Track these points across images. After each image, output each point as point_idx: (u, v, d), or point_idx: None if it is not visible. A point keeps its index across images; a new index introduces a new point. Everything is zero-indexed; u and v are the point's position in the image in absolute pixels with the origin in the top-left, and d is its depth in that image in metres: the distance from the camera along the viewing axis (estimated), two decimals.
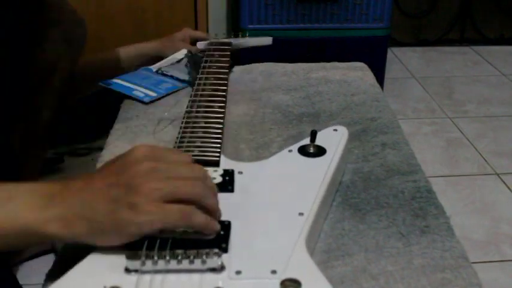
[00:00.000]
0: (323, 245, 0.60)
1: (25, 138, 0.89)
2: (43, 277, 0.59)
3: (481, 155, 1.89)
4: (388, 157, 0.76)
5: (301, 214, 0.57)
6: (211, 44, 1.02)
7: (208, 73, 0.88)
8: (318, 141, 0.68)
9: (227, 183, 0.62)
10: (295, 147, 0.68)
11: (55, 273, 0.55)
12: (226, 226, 0.54)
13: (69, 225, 0.50)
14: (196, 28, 1.99)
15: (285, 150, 0.68)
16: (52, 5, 0.88)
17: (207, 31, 2.12)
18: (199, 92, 0.82)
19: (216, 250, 0.50)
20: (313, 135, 0.68)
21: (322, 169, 0.64)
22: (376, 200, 0.67)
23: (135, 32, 1.88)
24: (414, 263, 0.57)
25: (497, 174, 1.78)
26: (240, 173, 0.64)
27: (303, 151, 0.67)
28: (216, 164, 0.65)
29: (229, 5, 2.39)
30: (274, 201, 0.59)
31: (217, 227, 0.53)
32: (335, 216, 0.64)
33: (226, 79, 0.87)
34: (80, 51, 0.95)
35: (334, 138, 0.70)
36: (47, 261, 0.55)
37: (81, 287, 0.49)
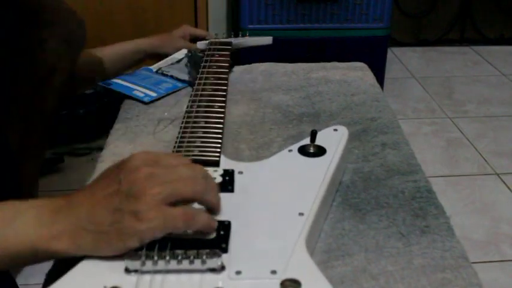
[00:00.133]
0: (323, 245, 0.60)
1: (24, 139, 0.89)
2: (43, 277, 0.59)
3: (481, 155, 1.89)
4: (388, 157, 0.76)
5: (301, 214, 0.57)
6: (211, 43, 1.02)
7: (208, 73, 0.88)
8: (318, 141, 0.68)
9: (227, 183, 0.62)
10: (295, 147, 0.68)
11: (55, 273, 0.55)
12: (226, 226, 0.54)
13: (76, 240, 0.50)
14: (196, 28, 1.99)
15: (285, 150, 0.68)
16: (50, 5, 0.88)
17: (207, 31, 2.12)
18: (199, 92, 0.82)
19: (216, 250, 0.50)
20: (313, 135, 0.68)
21: (322, 169, 0.64)
22: (376, 200, 0.67)
23: (135, 32, 1.88)
24: (414, 263, 0.57)
25: (497, 174, 1.78)
26: (240, 173, 0.64)
27: (303, 151, 0.67)
28: (216, 164, 0.65)
29: (229, 5, 2.39)
30: (274, 201, 0.59)
31: (215, 225, 0.53)
32: (335, 216, 0.64)
33: (227, 79, 0.87)
34: (80, 51, 0.95)
35: (334, 138, 0.70)
36: (47, 261, 0.55)
37: (81, 287, 0.49)
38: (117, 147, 0.80)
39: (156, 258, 0.49)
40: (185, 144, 0.68)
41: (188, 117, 0.75)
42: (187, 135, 0.70)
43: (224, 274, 0.49)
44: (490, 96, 2.32)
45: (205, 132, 0.71)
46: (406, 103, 2.25)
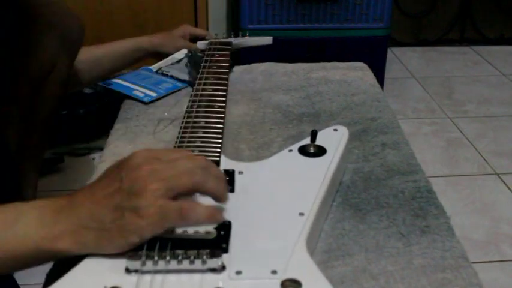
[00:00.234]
0: (323, 245, 0.60)
1: (23, 139, 0.89)
2: (43, 277, 0.59)
3: (481, 155, 1.89)
4: (388, 157, 0.76)
5: (301, 214, 0.57)
6: (211, 43, 1.02)
7: (208, 73, 0.88)
8: (318, 141, 0.68)
9: (227, 183, 0.62)
10: (295, 147, 0.68)
11: (55, 273, 0.55)
12: (226, 226, 0.54)
13: (78, 239, 0.50)
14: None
15: (285, 150, 0.68)
16: (49, 6, 0.88)
17: (207, 31, 2.12)
18: (200, 92, 0.82)
19: (217, 250, 0.50)
20: (314, 135, 0.68)
21: (322, 169, 0.64)
22: (376, 200, 0.67)
23: (135, 32, 1.88)
24: (414, 263, 0.57)
25: (497, 174, 1.78)
26: (241, 173, 0.64)
27: (303, 151, 0.67)
28: (216, 164, 0.65)
29: (229, 5, 2.39)
30: (275, 201, 0.59)
31: (222, 215, 0.52)
32: (335, 216, 0.64)
33: (227, 79, 0.87)
34: (78, 51, 0.95)
35: (334, 138, 0.70)
36: (49, 262, 0.55)
37: (81, 287, 0.49)
38: (117, 147, 0.80)
39: (156, 258, 0.49)
40: (185, 144, 0.68)
41: (188, 117, 0.75)
42: (187, 135, 0.70)
43: (224, 274, 0.49)
44: (490, 96, 2.32)
45: (205, 132, 0.71)
46: (406, 103, 2.25)
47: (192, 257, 0.49)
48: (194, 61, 1.00)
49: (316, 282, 0.48)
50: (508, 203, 1.66)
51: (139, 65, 1.08)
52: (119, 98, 0.95)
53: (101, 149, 0.82)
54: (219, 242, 0.52)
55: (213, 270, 0.49)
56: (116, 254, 0.50)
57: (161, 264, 0.49)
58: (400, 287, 0.54)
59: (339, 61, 1.08)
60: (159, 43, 1.09)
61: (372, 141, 0.80)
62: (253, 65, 1.07)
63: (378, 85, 1.00)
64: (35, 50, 0.86)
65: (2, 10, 0.80)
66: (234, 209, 0.57)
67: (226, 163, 0.66)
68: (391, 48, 2.67)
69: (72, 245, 0.50)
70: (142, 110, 0.91)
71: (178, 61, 1.04)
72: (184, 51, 1.06)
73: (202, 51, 1.01)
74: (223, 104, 0.79)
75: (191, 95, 0.82)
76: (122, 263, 0.49)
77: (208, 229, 0.53)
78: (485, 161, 1.85)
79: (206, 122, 0.74)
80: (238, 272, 0.49)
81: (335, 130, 0.72)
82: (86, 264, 0.50)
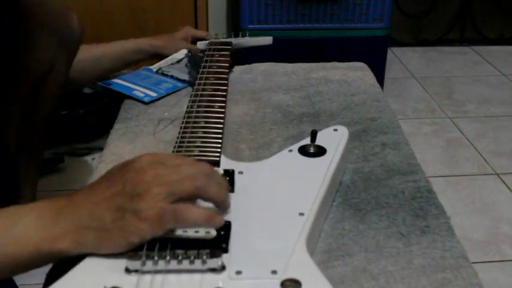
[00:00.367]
0: (323, 245, 0.60)
1: (23, 139, 0.89)
2: (43, 277, 0.59)
3: (481, 155, 1.89)
4: (388, 157, 0.76)
5: (301, 214, 0.57)
6: (211, 44, 1.02)
7: (208, 73, 0.88)
8: (318, 141, 0.68)
9: (227, 183, 0.62)
10: (295, 147, 0.68)
11: (55, 273, 0.55)
12: (226, 226, 0.54)
13: (79, 239, 0.50)
14: (196, 28, 1.99)
15: (285, 150, 0.68)
16: (47, 6, 0.88)
17: (207, 31, 2.12)
18: (200, 92, 0.82)
19: (217, 250, 0.50)
20: (314, 135, 0.68)
21: (322, 169, 0.64)
22: (376, 200, 0.67)
23: (135, 32, 1.88)
24: (414, 263, 0.57)
25: (497, 174, 1.78)
26: (241, 173, 0.64)
27: (303, 151, 0.67)
28: (216, 164, 0.65)
29: (229, 5, 2.39)
30: (275, 201, 0.59)
31: (221, 220, 0.52)
32: (335, 216, 0.64)
33: (227, 79, 0.87)
34: (76, 51, 0.95)
35: (334, 138, 0.70)
36: (50, 263, 0.55)
37: (81, 287, 0.49)
38: (117, 147, 0.80)
39: (156, 258, 0.49)
40: (185, 144, 0.68)
41: (188, 117, 0.75)
42: (187, 135, 0.70)
43: (224, 274, 0.49)
44: (490, 96, 2.32)
45: (205, 132, 0.71)
46: (406, 103, 2.25)
47: (192, 257, 0.49)
48: (194, 61, 1.00)
49: (316, 282, 0.48)
50: (508, 203, 1.66)
51: (139, 65, 1.08)
52: (119, 98, 0.95)
53: (101, 149, 0.82)
54: (219, 242, 0.52)
55: (213, 270, 0.49)
56: (116, 254, 0.50)
57: (161, 264, 0.49)
58: (400, 287, 0.54)
59: (339, 61, 1.08)
60: (161, 45, 1.09)
61: (372, 141, 0.80)
62: (253, 65, 1.07)
63: (378, 85, 1.00)
64: (33, 50, 0.86)
65: (2, 10, 0.80)
66: (234, 209, 0.57)
67: (226, 163, 0.66)
68: (391, 48, 2.66)
69: (72, 246, 0.50)
70: (142, 110, 0.91)
71: (178, 61, 1.04)
72: (184, 51, 1.06)
73: (202, 51, 1.01)
74: (223, 104, 0.79)
75: (191, 95, 0.82)
76: (122, 263, 0.49)
77: (208, 229, 0.53)
78: (485, 161, 1.85)
79: (206, 122, 0.74)
80: (238, 272, 0.49)
81: (335, 130, 0.72)
82: (86, 264, 0.50)
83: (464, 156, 1.88)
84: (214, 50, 0.98)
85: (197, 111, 0.76)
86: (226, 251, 0.51)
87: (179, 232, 0.52)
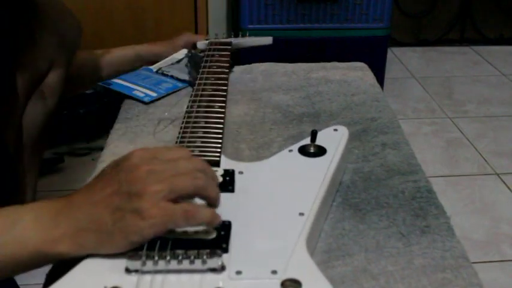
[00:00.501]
0: (323, 245, 0.60)
1: (21, 139, 0.89)
2: (43, 277, 0.59)
3: (481, 155, 1.89)
4: (388, 157, 0.76)
5: (301, 214, 0.57)
6: (211, 44, 1.02)
7: (208, 73, 0.88)
8: (318, 141, 0.68)
9: (227, 183, 0.62)
10: (295, 147, 0.68)
11: (55, 273, 0.55)
12: (226, 226, 0.54)
13: (78, 241, 0.50)
14: (196, 28, 1.99)
15: (285, 150, 0.68)
16: (46, 4, 0.88)
17: (207, 31, 2.12)
18: (200, 92, 0.82)
19: (217, 250, 0.50)
20: (314, 135, 0.68)
21: (322, 169, 0.64)
22: (377, 200, 0.67)
23: (135, 32, 1.88)
24: (414, 263, 0.57)
25: (497, 174, 1.78)
26: (241, 173, 0.64)
27: (304, 151, 0.67)
28: (216, 164, 0.65)
29: (229, 5, 2.39)
30: (275, 201, 0.59)
31: (220, 219, 0.52)
32: (335, 216, 0.64)
33: (227, 79, 0.87)
34: (76, 50, 0.95)
35: (334, 138, 0.70)
36: (49, 264, 0.55)
37: (81, 287, 0.49)
38: (117, 147, 0.80)
39: (156, 258, 0.49)
40: (185, 144, 0.68)
41: (188, 117, 0.75)
42: (187, 135, 0.70)
43: (224, 274, 0.49)
44: (490, 96, 2.32)
45: (205, 132, 0.71)
46: (406, 103, 2.25)
47: (192, 257, 0.49)
48: (194, 61, 1.00)
49: (316, 282, 0.48)
50: (508, 203, 1.66)
51: None
52: (119, 98, 0.95)
53: (101, 149, 0.82)
54: (219, 242, 0.52)
55: (213, 270, 0.49)
56: (116, 254, 0.50)
57: (161, 264, 0.49)
58: (400, 287, 0.54)
59: (339, 61, 1.08)
60: (160, 53, 1.08)
61: (372, 141, 0.80)
62: (253, 65, 1.07)
63: (378, 85, 1.00)
64: (32, 50, 0.86)
65: (2, 10, 0.80)
66: (234, 209, 0.57)
67: (226, 163, 0.66)
68: (391, 48, 2.67)
69: (72, 247, 0.50)
70: (142, 110, 0.91)
71: (178, 61, 1.04)
72: (184, 51, 1.06)
73: (202, 51, 1.01)
74: (223, 104, 0.79)
75: (191, 95, 0.82)
76: (122, 263, 0.49)
77: (208, 229, 0.53)
78: (485, 161, 1.85)
79: (206, 122, 0.74)
80: (238, 272, 0.49)
81: (335, 130, 0.72)
82: (86, 264, 0.50)
83: (464, 156, 1.88)
84: (214, 50, 0.98)
85: (197, 111, 0.76)
86: (226, 251, 0.51)
87: (179, 232, 0.52)
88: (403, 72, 2.56)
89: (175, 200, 0.51)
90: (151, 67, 1.04)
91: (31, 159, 0.92)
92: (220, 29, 2.36)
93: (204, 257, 0.49)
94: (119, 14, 1.95)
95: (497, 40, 2.84)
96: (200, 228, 0.52)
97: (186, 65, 1.02)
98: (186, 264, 0.49)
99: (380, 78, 1.91)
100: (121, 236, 0.49)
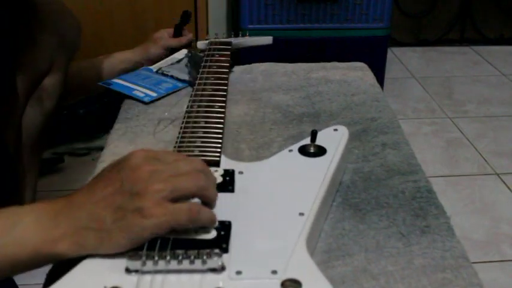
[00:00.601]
0: (323, 245, 0.60)
1: (21, 139, 0.89)
2: (43, 277, 0.59)
3: (481, 155, 1.89)
4: (389, 157, 0.76)
5: (301, 214, 0.57)
6: (211, 43, 1.02)
7: (208, 73, 0.88)
8: (318, 141, 0.68)
9: (227, 183, 0.62)
10: (295, 147, 0.68)
11: (55, 273, 0.55)
12: (226, 226, 0.54)
13: (78, 241, 0.50)
14: (196, 28, 1.99)
15: (286, 150, 0.68)
16: (45, 5, 0.88)
17: (207, 31, 2.12)
18: (200, 92, 0.82)
19: (217, 250, 0.50)
20: (314, 135, 0.68)
21: (322, 169, 0.64)
22: (377, 200, 0.67)
23: (135, 32, 1.88)
24: (414, 263, 0.57)
25: (497, 174, 1.79)
26: (241, 173, 0.64)
27: (304, 151, 0.67)
28: (216, 164, 0.65)
29: (229, 5, 2.39)
30: (275, 201, 0.59)
31: (216, 219, 0.53)
32: (335, 216, 0.64)
33: (227, 79, 0.87)
34: (75, 51, 0.95)
35: (334, 138, 0.70)
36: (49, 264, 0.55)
37: (81, 287, 0.48)
38: (117, 147, 0.80)
39: (156, 258, 0.49)
40: (185, 144, 0.68)
41: (188, 117, 0.75)
42: (187, 135, 0.70)
43: (224, 274, 0.49)
44: (490, 96, 2.32)
45: (205, 132, 0.71)
46: (406, 103, 2.25)
47: (192, 257, 0.49)
48: (194, 61, 1.00)
49: (316, 282, 0.48)
50: (508, 203, 1.66)
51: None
52: (119, 98, 0.95)
53: (101, 149, 0.82)
54: (219, 242, 0.52)
55: (213, 270, 0.49)
56: (116, 254, 0.50)
57: (161, 264, 0.49)
58: (400, 287, 0.54)
59: (339, 61, 1.08)
60: (146, 52, 1.09)
61: (372, 141, 0.80)
62: (253, 65, 1.07)
63: (378, 85, 1.00)
64: (32, 50, 0.86)
65: (2, 10, 0.80)
66: (234, 209, 0.57)
67: (226, 163, 0.66)
68: (391, 48, 2.67)
69: (72, 247, 0.50)
70: (142, 110, 0.91)
71: (178, 61, 1.04)
72: (184, 51, 1.06)
73: (202, 51, 1.01)
74: (223, 104, 0.79)
75: (191, 95, 0.82)
76: (122, 263, 0.49)
77: (208, 229, 0.53)
78: (485, 161, 1.86)
79: (206, 122, 0.74)
80: (238, 272, 0.49)
81: (335, 130, 0.72)
82: (86, 264, 0.50)
83: (464, 156, 1.88)
84: (214, 49, 0.98)
85: (197, 111, 0.76)
86: (226, 251, 0.51)
87: (179, 232, 0.52)
88: (403, 72, 2.56)
89: (176, 200, 0.51)
90: (151, 67, 1.04)
91: (31, 160, 0.92)
92: (220, 29, 2.36)
93: (204, 257, 0.49)
94: (119, 14, 1.95)
95: (497, 40, 2.84)
96: (201, 230, 0.53)
97: (186, 65, 1.02)
98: (186, 264, 0.49)
99: (380, 78, 1.91)
100: (122, 235, 0.49)
